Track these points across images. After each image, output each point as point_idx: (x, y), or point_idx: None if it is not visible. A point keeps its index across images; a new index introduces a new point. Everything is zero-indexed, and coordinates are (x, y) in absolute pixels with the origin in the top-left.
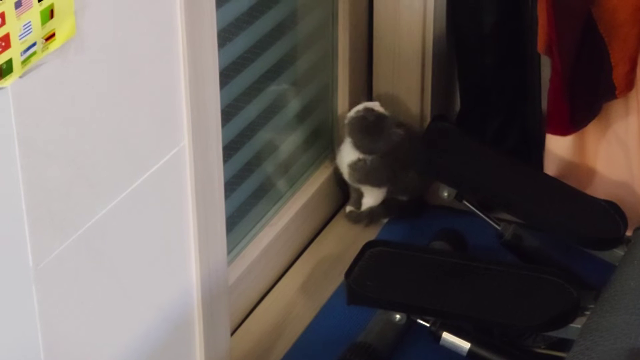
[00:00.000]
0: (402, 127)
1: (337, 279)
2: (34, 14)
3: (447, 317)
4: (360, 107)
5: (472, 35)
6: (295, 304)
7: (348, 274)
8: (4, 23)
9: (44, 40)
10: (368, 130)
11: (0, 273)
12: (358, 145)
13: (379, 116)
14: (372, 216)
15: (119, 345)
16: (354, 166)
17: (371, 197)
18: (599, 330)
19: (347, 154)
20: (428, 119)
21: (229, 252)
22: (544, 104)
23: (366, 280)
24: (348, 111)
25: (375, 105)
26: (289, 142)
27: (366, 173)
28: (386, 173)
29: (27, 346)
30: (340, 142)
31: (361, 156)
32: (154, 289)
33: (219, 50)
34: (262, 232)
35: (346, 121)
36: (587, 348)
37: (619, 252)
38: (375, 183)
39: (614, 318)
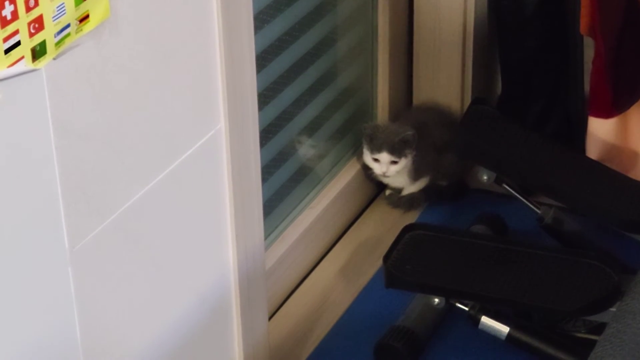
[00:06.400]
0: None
1: (376, 262)
2: None
3: (486, 301)
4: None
5: (513, 16)
6: (333, 288)
7: (387, 257)
8: (37, 4)
9: (78, 22)
10: (372, 140)
11: (36, 255)
12: (391, 151)
13: (374, 127)
14: (412, 202)
15: (156, 328)
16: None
17: (413, 186)
18: (632, 313)
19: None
20: (469, 102)
21: (268, 235)
22: (587, 87)
23: (405, 264)
24: (389, 93)
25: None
26: (329, 125)
27: (414, 170)
28: (428, 161)
29: (64, 328)
30: None
31: (401, 159)
32: (191, 272)
33: (256, 33)
34: (301, 215)
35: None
36: (619, 330)
37: None
38: (421, 175)
39: None
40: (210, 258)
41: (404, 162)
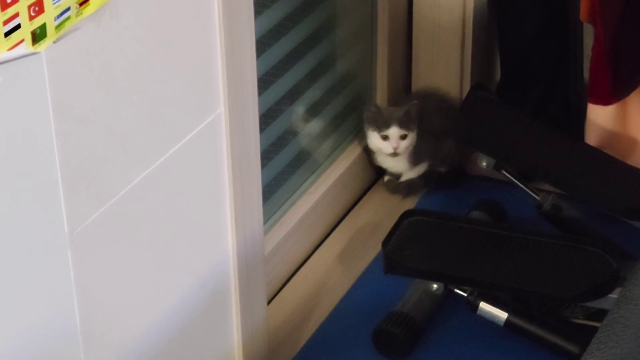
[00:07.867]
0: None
1: (375, 248)
2: None
3: (484, 287)
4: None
5: (513, 2)
6: (332, 273)
7: (385, 243)
8: None
9: (78, 5)
10: (378, 119)
11: (36, 239)
12: (400, 124)
13: (377, 106)
14: (410, 188)
15: (155, 312)
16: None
17: (412, 171)
18: (634, 299)
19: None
20: (468, 88)
21: (266, 220)
22: (586, 73)
23: (403, 250)
24: (388, 78)
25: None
26: (328, 111)
27: (413, 155)
28: (427, 147)
29: (63, 312)
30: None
31: (409, 132)
32: (190, 257)
33: (256, 18)
34: (300, 201)
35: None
36: (622, 316)
37: None
38: (420, 160)
39: None
40: (210, 243)
41: (412, 137)
